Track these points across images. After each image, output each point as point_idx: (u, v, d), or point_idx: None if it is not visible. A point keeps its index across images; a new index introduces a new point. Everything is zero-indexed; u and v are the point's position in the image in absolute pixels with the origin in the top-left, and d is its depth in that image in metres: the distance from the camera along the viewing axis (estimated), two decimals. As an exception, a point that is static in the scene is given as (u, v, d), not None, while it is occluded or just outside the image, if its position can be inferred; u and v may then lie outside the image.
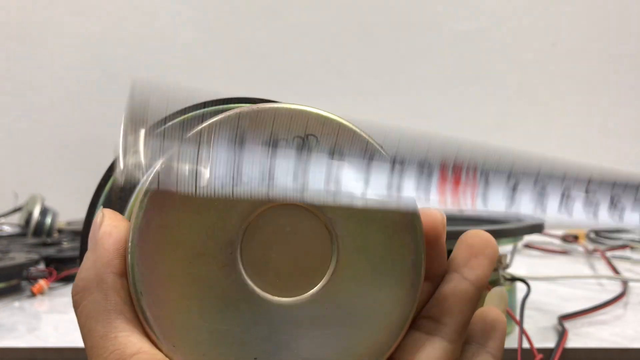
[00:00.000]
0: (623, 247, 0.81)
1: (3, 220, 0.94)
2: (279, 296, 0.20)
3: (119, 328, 0.19)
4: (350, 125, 0.20)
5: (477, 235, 0.22)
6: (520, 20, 1.08)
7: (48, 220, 0.88)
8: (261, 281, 0.20)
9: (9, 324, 0.52)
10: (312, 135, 0.20)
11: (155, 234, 0.19)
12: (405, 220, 0.21)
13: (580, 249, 0.82)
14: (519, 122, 1.08)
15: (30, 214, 0.87)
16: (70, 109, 1.14)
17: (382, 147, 0.20)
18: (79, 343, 0.51)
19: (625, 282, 0.59)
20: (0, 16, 1.16)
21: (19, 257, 0.65)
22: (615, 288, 0.59)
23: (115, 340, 0.19)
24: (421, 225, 0.21)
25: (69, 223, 0.98)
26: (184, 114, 0.24)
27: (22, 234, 0.88)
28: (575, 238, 0.86)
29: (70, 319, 0.53)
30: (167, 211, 0.19)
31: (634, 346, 0.43)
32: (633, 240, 0.83)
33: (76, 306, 0.20)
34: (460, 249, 0.22)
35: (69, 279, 0.68)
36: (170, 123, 0.24)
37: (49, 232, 0.88)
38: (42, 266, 0.69)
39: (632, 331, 0.46)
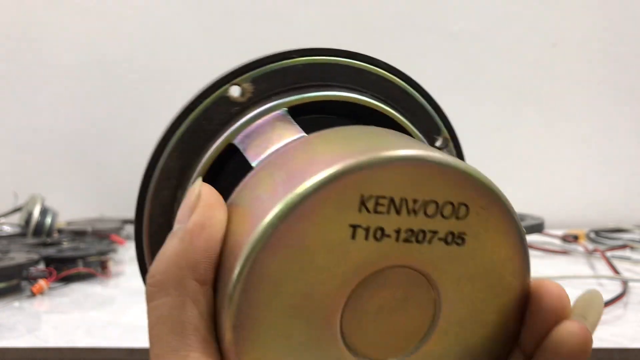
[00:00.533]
0: (623, 247, 0.80)
1: (3, 220, 0.94)
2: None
3: (192, 347, 0.17)
4: (506, 200, 0.18)
5: (572, 335, 0.18)
6: (520, 20, 1.08)
7: (48, 220, 0.88)
8: (355, 343, 0.18)
9: (9, 324, 0.52)
10: (464, 204, 0.17)
11: (267, 270, 0.16)
12: (516, 311, 0.19)
13: (580, 249, 0.82)
14: (519, 122, 1.08)
15: (30, 214, 0.87)
16: (70, 109, 1.14)
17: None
18: (79, 343, 0.51)
19: (625, 282, 0.59)
20: (0, 16, 1.16)
21: (19, 257, 0.65)
22: (615, 288, 0.59)
23: None
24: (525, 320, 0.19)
25: (69, 223, 0.98)
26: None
27: (22, 234, 0.88)
28: (575, 238, 0.86)
29: (70, 319, 0.53)
30: (290, 249, 0.16)
31: (634, 346, 0.43)
32: (633, 240, 0.83)
33: (149, 299, 0.18)
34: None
35: (69, 279, 0.68)
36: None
37: (49, 232, 0.88)
38: (42, 266, 0.69)
39: (632, 331, 0.46)
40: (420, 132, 0.23)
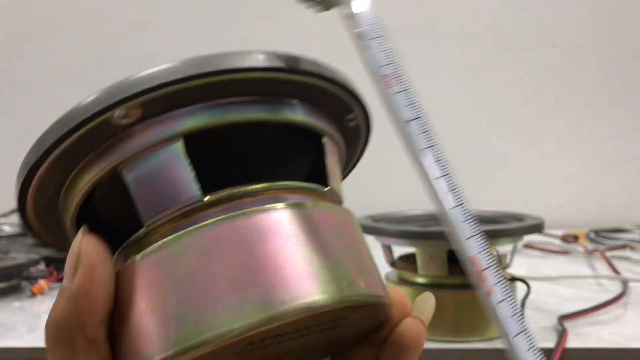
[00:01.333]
0: (623, 247, 0.81)
1: (3, 220, 0.94)
2: None
3: None
4: (372, 298, 0.20)
5: (409, 329, 0.22)
6: (520, 20, 1.08)
7: (48, 220, 0.88)
8: None
9: (9, 323, 0.52)
10: (342, 317, 0.20)
11: None
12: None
13: (580, 249, 0.82)
14: (518, 121, 1.08)
15: (30, 214, 0.87)
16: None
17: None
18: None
19: (625, 282, 0.59)
20: (0, 16, 1.16)
21: (19, 257, 0.65)
22: (615, 288, 0.59)
23: None
24: None
25: (69, 223, 0.98)
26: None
27: (22, 234, 0.88)
28: (575, 238, 0.86)
29: (70, 319, 0.54)
30: None
31: (634, 346, 0.43)
32: (633, 240, 0.83)
33: (47, 346, 0.19)
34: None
35: (69, 279, 0.68)
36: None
37: (49, 232, 0.88)
38: (42, 266, 0.69)
39: (632, 331, 0.46)
40: (332, 114, 0.23)
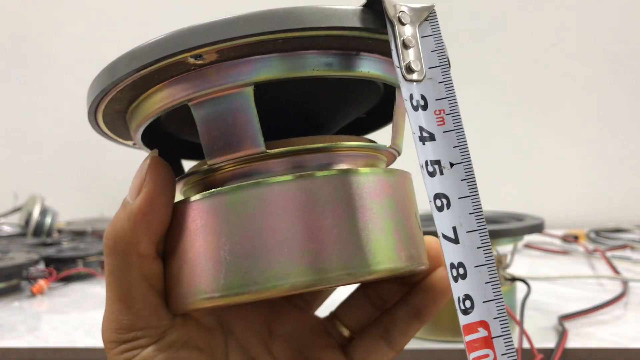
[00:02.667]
0: (623, 247, 0.81)
1: (3, 220, 0.94)
2: None
3: (136, 299, 0.21)
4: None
5: (441, 278, 0.24)
6: (520, 20, 1.08)
7: (48, 220, 0.88)
8: None
9: (9, 323, 0.52)
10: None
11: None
12: None
13: (581, 249, 0.82)
14: (519, 122, 1.08)
15: (30, 214, 0.87)
16: (70, 109, 1.14)
17: None
18: (79, 343, 0.51)
19: (625, 282, 0.59)
20: (0, 16, 1.16)
21: (18, 257, 0.65)
22: (615, 288, 0.59)
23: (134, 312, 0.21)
24: None
25: (68, 223, 0.98)
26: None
27: (22, 234, 0.88)
28: (575, 238, 0.86)
29: (70, 319, 0.53)
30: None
31: (634, 346, 0.43)
32: (633, 240, 0.83)
33: (105, 254, 0.21)
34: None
35: (68, 279, 0.68)
36: None
37: (49, 232, 0.88)
38: (41, 266, 0.69)
39: (632, 331, 0.46)
40: None
